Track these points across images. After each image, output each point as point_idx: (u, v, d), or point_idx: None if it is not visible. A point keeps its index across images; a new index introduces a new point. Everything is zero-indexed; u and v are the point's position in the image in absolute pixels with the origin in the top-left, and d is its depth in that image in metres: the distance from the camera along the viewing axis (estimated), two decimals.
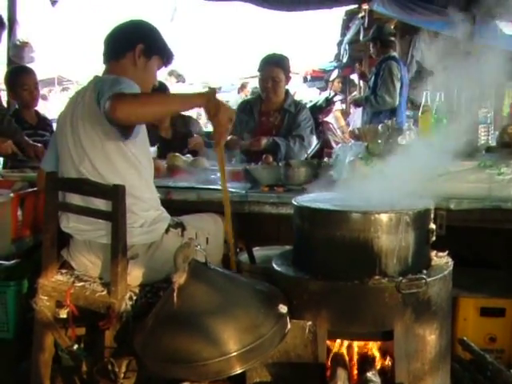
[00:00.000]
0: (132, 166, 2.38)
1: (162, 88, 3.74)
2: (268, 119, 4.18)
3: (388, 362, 2.14)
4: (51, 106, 17.18)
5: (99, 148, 2.35)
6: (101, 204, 2.33)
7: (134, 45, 2.54)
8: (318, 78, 16.34)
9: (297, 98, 4.66)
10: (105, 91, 2.20)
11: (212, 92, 2.28)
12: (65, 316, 2.49)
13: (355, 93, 13.04)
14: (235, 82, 22.66)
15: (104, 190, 2.27)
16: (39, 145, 3.94)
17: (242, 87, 12.47)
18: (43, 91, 18.68)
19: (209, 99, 2.24)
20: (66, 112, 2.51)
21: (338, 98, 6.79)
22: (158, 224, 2.41)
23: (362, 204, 2.21)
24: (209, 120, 2.37)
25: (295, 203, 2.21)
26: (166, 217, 2.50)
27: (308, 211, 2.15)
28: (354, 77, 14.82)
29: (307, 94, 16.35)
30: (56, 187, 2.42)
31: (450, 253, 3.07)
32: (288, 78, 4.19)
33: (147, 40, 2.58)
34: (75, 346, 2.50)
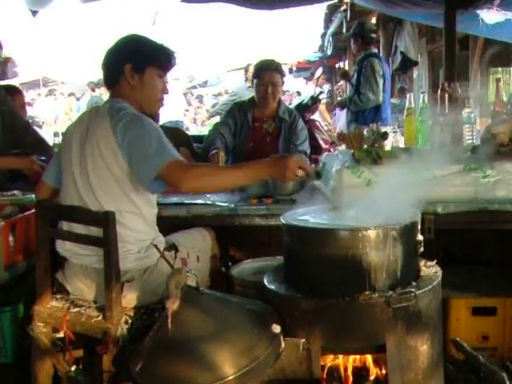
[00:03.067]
0: (135, 206, 2.41)
1: None
2: (261, 125, 4.16)
3: (382, 372, 2.18)
4: (38, 110, 17.12)
5: (107, 187, 2.38)
6: (97, 230, 2.33)
7: (122, 67, 2.48)
8: (304, 69, 16.50)
9: (284, 88, 4.63)
10: (149, 155, 2.28)
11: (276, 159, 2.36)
12: (62, 335, 2.50)
13: (341, 82, 13.04)
14: (221, 75, 22.68)
15: (94, 217, 2.29)
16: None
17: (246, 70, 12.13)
18: (29, 94, 18.61)
19: (270, 169, 2.33)
20: (74, 133, 2.52)
21: (324, 95, 6.76)
22: (154, 249, 2.42)
23: (351, 217, 2.24)
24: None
25: (284, 221, 2.23)
26: (161, 240, 2.51)
27: (296, 230, 2.18)
28: (340, 65, 14.93)
29: (294, 85, 16.42)
30: (46, 215, 2.43)
31: (440, 250, 3.11)
32: (283, 83, 4.20)
33: (133, 56, 2.50)
34: (73, 368, 2.52)
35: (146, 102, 2.55)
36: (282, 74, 4.18)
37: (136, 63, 2.50)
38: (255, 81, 4.14)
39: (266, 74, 4.07)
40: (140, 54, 2.53)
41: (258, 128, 4.16)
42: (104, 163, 2.36)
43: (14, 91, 4.36)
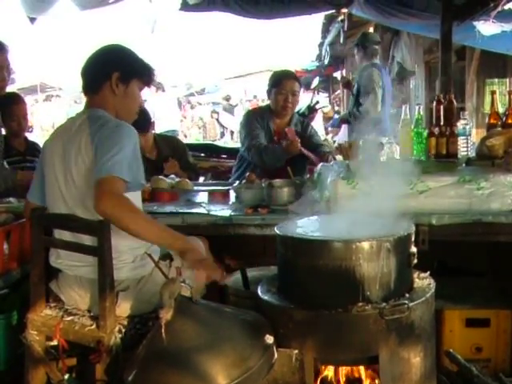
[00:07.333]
0: None
1: None
2: (279, 141, 4.04)
3: (375, 381, 2.19)
4: (37, 116, 17.11)
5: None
6: (89, 240, 2.33)
7: (109, 74, 2.47)
8: (301, 78, 16.59)
9: None
10: (103, 155, 2.23)
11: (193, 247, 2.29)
12: (55, 344, 2.50)
13: (338, 91, 13.10)
14: (219, 83, 22.78)
15: (89, 225, 2.28)
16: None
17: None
18: (27, 99, 18.62)
19: (184, 247, 2.25)
20: (55, 144, 2.48)
21: (321, 105, 6.76)
22: (149, 259, 2.40)
23: (345, 229, 2.25)
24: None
25: (278, 232, 2.24)
26: (155, 249, 2.48)
27: (291, 240, 2.18)
28: (337, 74, 15.03)
29: None
30: (41, 223, 2.43)
31: (435, 261, 3.11)
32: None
33: (122, 66, 2.51)
34: (66, 376, 2.51)
35: (124, 112, 2.54)
36: (300, 84, 4.15)
37: (124, 73, 2.50)
38: (274, 90, 4.04)
39: (288, 82, 4.01)
40: (129, 64, 2.55)
41: (277, 143, 4.05)
42: (90, 172, 2.31)
43: (17, 101, 4.32)
